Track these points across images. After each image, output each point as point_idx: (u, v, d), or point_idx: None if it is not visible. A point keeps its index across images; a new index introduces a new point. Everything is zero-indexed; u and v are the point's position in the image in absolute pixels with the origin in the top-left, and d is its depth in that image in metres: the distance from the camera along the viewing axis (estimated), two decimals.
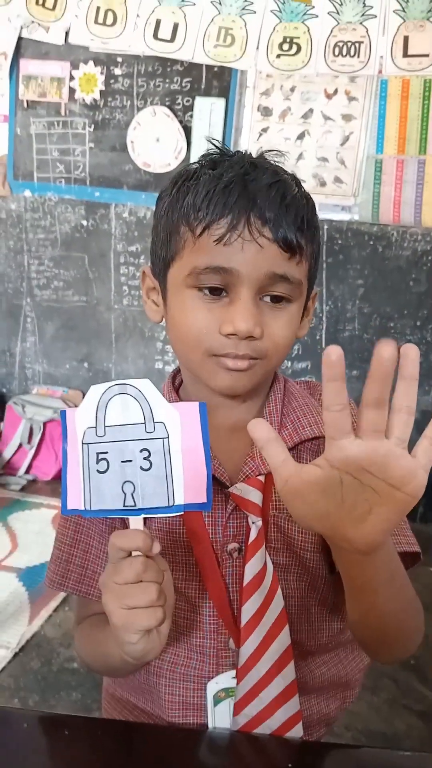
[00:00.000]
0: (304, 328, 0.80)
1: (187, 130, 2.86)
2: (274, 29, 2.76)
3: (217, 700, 0.79)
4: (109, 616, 0.61)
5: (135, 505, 0.59)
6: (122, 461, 0.58)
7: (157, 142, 2.91)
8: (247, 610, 0.75)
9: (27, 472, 3.05)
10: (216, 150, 0.76)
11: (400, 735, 1.85)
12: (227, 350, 0.70)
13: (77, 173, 3.02)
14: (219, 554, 0.78)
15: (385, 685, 2.01)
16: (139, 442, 0.58)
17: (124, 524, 0.80)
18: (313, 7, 2.72)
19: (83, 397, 3.36)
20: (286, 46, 2.76)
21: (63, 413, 0.59)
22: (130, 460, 0.58)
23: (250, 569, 0.75)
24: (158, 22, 2.80)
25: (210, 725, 0.79)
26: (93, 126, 2.96)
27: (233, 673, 0.78)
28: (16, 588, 2.26)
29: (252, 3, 2.75)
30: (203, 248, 0.70)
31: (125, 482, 0.58)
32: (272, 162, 0.76)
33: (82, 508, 0.59)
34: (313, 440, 0.79)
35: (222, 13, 2.77)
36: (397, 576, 0.68)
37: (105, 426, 0.59)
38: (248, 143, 2.88)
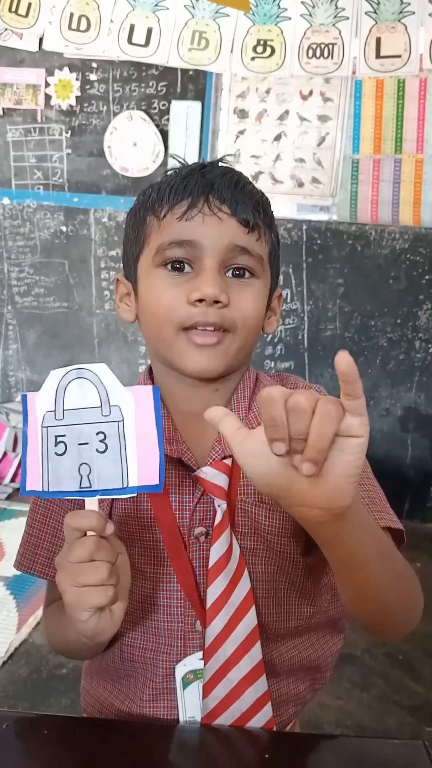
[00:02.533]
0: (271, 325, 0.84)
1: (164, 134, 2.88)
2: (247, 32, 2.78)
3: (186, 683, 0.79)
4: (63, 594, 0.62)
5: (90, 487, 0.60)
6: (79, 444, 0.59)
7: (134, 147, 2.92)
8: (213, 592, 0.76)
9: (12, 480, 3.03)
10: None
11: (391, 731, 1.85)
12: (196, 319, 0.73)
13: (55, 179, 3.02)
14: (186, 538, 0.79)
15: (375, 681, 2.01)
16: (95, 425, 0.60)
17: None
18: (285, 9, 2.75)
19: None
20: (260, 49, 2.78)
21: (24, 397, 0.61)
22: (87, 443, 0.59)
23: (216, 551, 0.76)
24: (132, 27, 2.82)
25: (180, 709, 0.80)
26: (70, 132, 2.97)
27: (200, 654, 0.78)
28: (4, 596, 2.24)
29: (224, 6, 2.77)
30: (167, 227, 0.76)
31: (81, 464, 0.59)
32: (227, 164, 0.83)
33: (40, 490, 0.60)
34: None
35: (195, 17, 2.79)
36: (384, 545, 0.67)
37: (63, 409, 0.60)
38: (225, 145, 2.90)
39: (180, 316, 0.74)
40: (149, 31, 2.81)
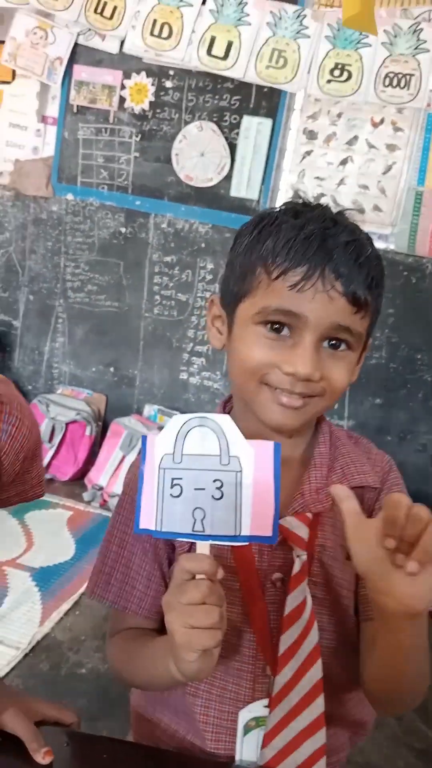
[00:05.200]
0: (354, 374, 0.84)
1: (232, 148, 2.90)
2: (326, 55, 2.79)
3: (247, 730, 0.80)
4: (172, 634, 0.64)
5: (203, 531, 0.61)
6: (195, 488, 0.61)
7: (201, 157, 2.94)
8: (286, 640, 0.78)
9: (45, 470, 3.07)
10: (298, 199, 0.81)
11: None
12: (284, 386, 0.75)
13: (120, 181, 3.06)
14: (263, 582, 0.80)
15: (388, 721, 2.00)
16: (213, 472, 0.61)
17: (172, 548, 0.82)
18: (367, 36, 2.75)
19: (107, 401, 3.33)
20: (337, 73, 2.79)
21: (144, 438, 0.62)
22: (203, 488, 0.61)
23: (292, 600, 0.78)
24: (213, 39, 2.84)
25: (237, 755, 0.81)
26: (140, 136, 3.00)
27: (266, 701, 0.80)
28: (29, 587, 2.27)
29: (307, 27, 2.79)
30: (277, 291, 0.75)
31: (196, 509, 0.61)
32: (351, 221, 0.80)
33: (153, 529, 0.62)
34: (359, 488, 0.83)
35: (276, 35, 2.80)
36: (425, 643, 0.71)
37: (182, 454, 0.61)
38: (291, 165, 2.91)
39: (268, 378, 0.76)
40: (229, 44, 2.83)
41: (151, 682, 0.81)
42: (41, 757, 0.74)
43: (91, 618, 2.19)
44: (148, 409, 3.20)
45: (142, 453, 0.62)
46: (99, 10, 2.90)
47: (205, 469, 0.61)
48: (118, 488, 2.94)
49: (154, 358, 3.17)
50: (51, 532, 2.64)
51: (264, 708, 0.79)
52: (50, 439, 3.08)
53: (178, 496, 0.61)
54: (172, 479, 0.61)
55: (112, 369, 3.23)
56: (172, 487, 0.61)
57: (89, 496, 2.96)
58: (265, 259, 0.76)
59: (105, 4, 2.89)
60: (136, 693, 0.94)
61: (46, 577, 2.34)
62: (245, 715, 0.80)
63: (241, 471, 0.61)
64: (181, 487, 0.61)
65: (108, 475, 3.02)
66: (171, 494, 0.61)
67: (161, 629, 0.69)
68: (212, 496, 0.60)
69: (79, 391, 3.27)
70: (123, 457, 3.01)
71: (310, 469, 0.83)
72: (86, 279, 3.18)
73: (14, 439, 0.83)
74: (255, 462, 0.61)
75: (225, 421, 0.61)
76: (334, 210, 0.80)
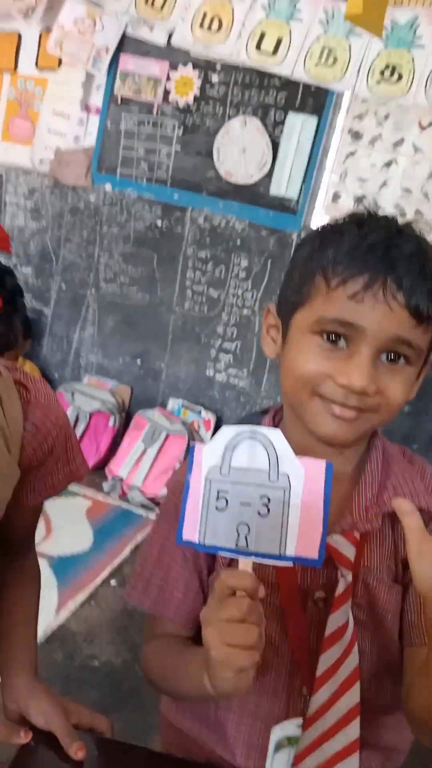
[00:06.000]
0: (413, 392, 0.81)
1: (275, 145, 2.86)
2: (378, 54, 2.74)
3: (278, 747, 0.79)
4: (208, 650, 0.62)
5: (247, 547, 0.59)
6: (241, 503, 0.59)
7: (242, 153, 2.91)
8: (325, 661, 0.76)
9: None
10: (363, 211, 0.79)
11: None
12: (337, 398, 0.72)
13: (159, 173, 3.04)
14: (304, 600, 0.78)
15: None
16: (260, 487, 0.59)
17: (212, 558, 0.80)
18: (421, 37, 2.69)
19: (132, 392, 3.30)
20: (387, 73, 2.73)
21: (192, 447, 0.60)
22: (249, 504, 0.59)
23: (333, 621, 0.76)
24: (263, 34, 2.80)
25: None
26: (182, 129, 2.98)
27: (300, 721, 0.78)
28: (47, 576, 2.26)
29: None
30: (335, 301, 0.72)
31: (240, 524, 0.59)
32: (417, 232, 0.77)
33: (196, 541, 0.60)
34: None
35: (328, 33, 2.76)
36: None
37: (230, 466, 0.59)
38: (334, 165, 2.87)
39: (321, 389, 0.73)
40: (279, 40, 2.79)
41: (184, 693, 0.80)
42: (74, 751, 0.76)
43: (107, 610, 2.18)
44: (173, 403, 3.19)
45: (189, 462, 0.60)
46: (149, 1, 2.88)
47: (253, 484, 0.59)
48: (137, 481, 2.94)
49: (182, 353, 3.16)
50: (70, 521, 2.64)
51: (297, 727, 0.77)
52: (73, 428, 3.09)
53: (223, 510, 0.59)
54: (218, 491, 0.59)
55: (139, 361, 3.22)
56: (217, 499, 0.59)
57: (109, 487, 2.96)
58: (325, 267, 0.73)
59: None
60: (168, 700, 0.93)
61: (63, 567, 2.34)
62: (278, 732, 0.78)
63: (289, 489, 0.58)
64: (226, 500, 0.59)
65: (128, 467, 3.01)
66: (216, 507, 0.59)
67: (197, 637, 0.67)
68: (258, 513, 0.58)
69: (105, 381, 3.27)
70: (144, 450, 3.00)
71: (360, 486, 0.80)
72: (119, 270, 3.17)
73: (38, 431, 0.82)
74: (305, 481, 0.58)
75: (276, 435, 0.59)
76: (401, 222, 0.77)
